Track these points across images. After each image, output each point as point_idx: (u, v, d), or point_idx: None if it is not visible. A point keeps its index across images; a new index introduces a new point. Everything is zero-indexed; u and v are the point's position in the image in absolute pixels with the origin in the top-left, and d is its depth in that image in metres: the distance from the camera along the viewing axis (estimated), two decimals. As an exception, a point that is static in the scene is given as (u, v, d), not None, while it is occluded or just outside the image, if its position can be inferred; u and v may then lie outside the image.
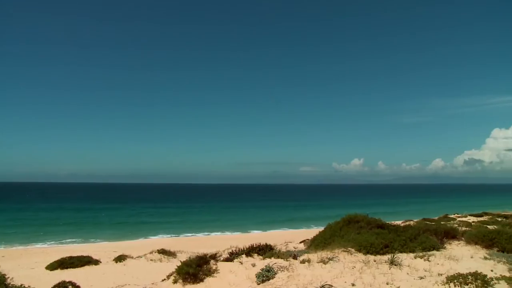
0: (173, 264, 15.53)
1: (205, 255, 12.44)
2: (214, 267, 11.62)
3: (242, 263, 11.64)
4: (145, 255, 24.82)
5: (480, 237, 13.94)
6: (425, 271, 10.90)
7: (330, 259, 11.36)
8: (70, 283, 15.27)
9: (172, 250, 26.18)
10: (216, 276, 11.24)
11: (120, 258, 23.66)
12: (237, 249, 12.86)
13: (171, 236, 53.60)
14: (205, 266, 11.57)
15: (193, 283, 11.16)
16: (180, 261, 12.43)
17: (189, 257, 12.59)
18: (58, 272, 21.18)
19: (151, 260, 23.71)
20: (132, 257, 24.29)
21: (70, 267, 21.84)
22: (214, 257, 12.30)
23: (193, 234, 56.63)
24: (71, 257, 22.90)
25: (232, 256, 12.33)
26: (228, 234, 56.83)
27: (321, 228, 16.82)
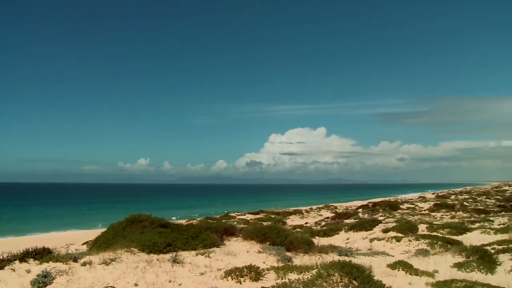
0: None
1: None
2: (-21, 277, 10.34)
3: (14, 270, 10.59)
4: None
5: (255, 233, 15.51)
6: (206, 267, 11.60)
7: (112, 260, 11.21)
8: None
9: None
10: (-19, 287, 10.04)
11: None
12: (10, 254, 11.68)
13: None
14: (-33, 276, 10.22)
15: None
16: None
17: None
18: None
19: None
20: None
21: None
22: (-21, 266, 10.93)
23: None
24: None
25: (3, 263, 11.13)
26: (0, 239, 50.67)
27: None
